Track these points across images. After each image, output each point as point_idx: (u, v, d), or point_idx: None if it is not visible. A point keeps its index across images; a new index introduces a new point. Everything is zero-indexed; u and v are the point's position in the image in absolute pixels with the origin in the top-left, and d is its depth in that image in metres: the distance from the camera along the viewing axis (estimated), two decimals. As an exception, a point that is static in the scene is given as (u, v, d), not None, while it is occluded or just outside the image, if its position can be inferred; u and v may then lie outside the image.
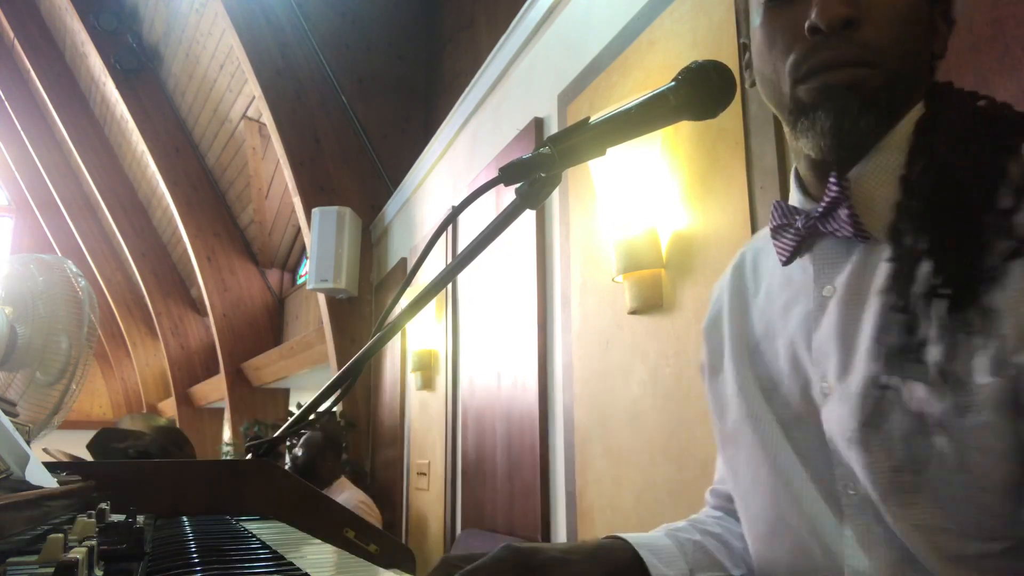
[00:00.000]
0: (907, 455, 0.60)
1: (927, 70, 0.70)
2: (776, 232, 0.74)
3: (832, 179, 0.67)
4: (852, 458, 0.64)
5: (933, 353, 0.58)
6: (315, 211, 4.75)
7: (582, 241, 2.24)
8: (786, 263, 0.74)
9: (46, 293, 1.35)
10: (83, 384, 1.42)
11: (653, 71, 1.93)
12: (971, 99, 0.67)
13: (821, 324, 0.69)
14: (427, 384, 3.67)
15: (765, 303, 0.79)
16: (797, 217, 0.71)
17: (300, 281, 7.32)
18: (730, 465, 0.81)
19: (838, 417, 0.66)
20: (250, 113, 6.61)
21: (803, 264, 0.74)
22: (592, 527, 2.06)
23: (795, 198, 0.76)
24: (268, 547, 0.81)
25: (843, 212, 0.67)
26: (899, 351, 0.60)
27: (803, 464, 0.70)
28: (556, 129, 2.52)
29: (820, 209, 0.69)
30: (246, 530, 0.99)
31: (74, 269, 1.44)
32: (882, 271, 0.65)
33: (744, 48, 0.81)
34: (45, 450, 3.43)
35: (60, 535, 0.58)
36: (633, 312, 1.89)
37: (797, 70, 0.68)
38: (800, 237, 0.72)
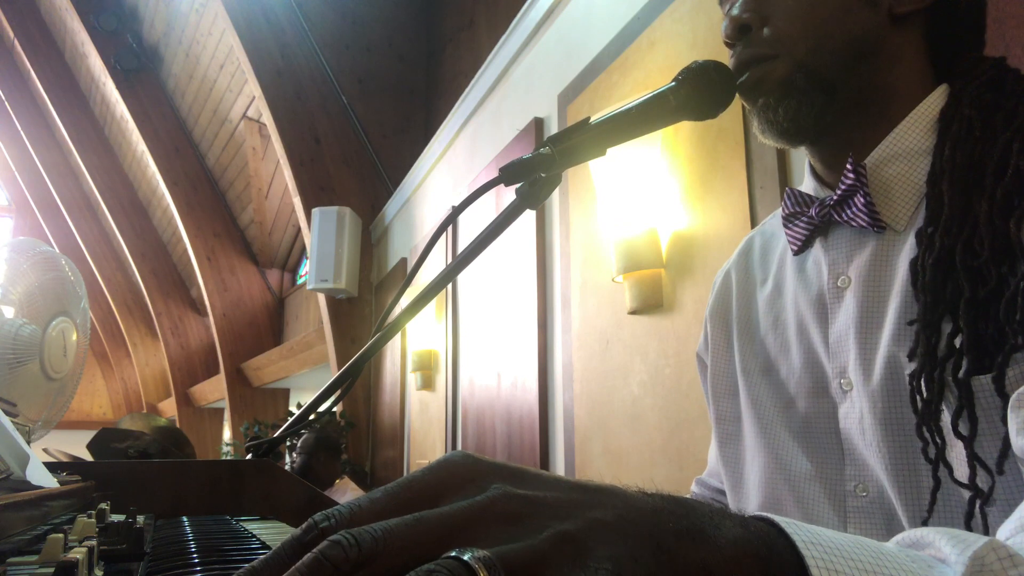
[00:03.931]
0: (931, 454, 0.56)
1: (870, 34, 0.67)
2: (788, 220, 0.72)
3: (849, 165, 0.65)
4: (871, 456, 0.62)
5: (964, 349, 0.54)
6: (315, 211, 4.75)
7: (582, 241, 2.24)
8: (797, 252, 0.72)
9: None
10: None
11: (653, 71, 1.93)
12: (999, 73, 0.63)
13: (838, 316, 0.67)
14: (427, 384, 3.66)
15: (773, 293, 0.77)
16: (810, 205, 0.70)
17: (300, 281, 7.32)
18: (725, 459, 0.79)
19: (859, 413, 0.63)
20: (250, 113, 6.62)
21: (815, 254, 0.71)
22: (592, 527, 2.06)
23: (808, 185, 0.74)
24: (268, 547, 0.81)
25: (859, 200, 0.65)
26: (925, 346, 0.57)
27: (809, 461, 0.68)
28: (556, 129, 2.52)
29: (835, 197, 0.67)
30: (246, 530, 0.99)
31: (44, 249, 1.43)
32: (902, 262, 0.63)
33: None
34: (45, 450, 3.43)
35: (60, 535, 0.58)
36: (633, 312, 1.89)
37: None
38: (813, 226, 0.70)
